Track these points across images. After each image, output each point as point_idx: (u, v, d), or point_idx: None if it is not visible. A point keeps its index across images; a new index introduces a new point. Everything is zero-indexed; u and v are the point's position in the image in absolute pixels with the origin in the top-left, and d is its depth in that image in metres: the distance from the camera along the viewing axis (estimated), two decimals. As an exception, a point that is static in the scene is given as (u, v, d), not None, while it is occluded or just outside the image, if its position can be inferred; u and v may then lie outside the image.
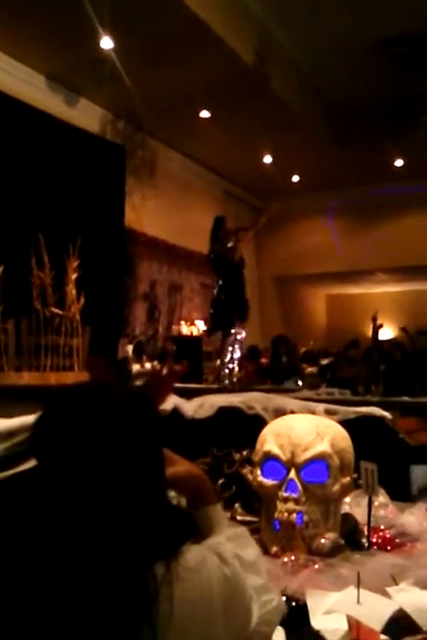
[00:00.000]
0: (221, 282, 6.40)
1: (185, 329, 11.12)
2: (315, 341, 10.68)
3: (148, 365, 7.58)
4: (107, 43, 7.06)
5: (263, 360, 9.06)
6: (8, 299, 5.70)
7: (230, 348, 6.15)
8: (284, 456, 1.91)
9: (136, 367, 7.64)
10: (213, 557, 1.06)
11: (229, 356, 6.15)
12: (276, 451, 1.92)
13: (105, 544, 0.99)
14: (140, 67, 7.50)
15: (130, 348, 8.17)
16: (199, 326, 11.36)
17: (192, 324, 11.30)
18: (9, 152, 6.58)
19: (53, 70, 7.89)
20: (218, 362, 6.43)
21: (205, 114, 9.21)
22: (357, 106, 9.79)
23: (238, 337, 6.26)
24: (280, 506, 1.89)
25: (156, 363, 7.05)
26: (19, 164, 6.67)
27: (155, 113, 8.52)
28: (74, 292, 6.25)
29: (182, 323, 11.22)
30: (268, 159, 11.00)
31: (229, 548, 1.13)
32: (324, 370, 7.48)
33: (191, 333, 11.09)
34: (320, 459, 1.91)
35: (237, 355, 6.26)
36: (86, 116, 8.52)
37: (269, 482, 1.93)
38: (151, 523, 1.04)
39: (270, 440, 1.95)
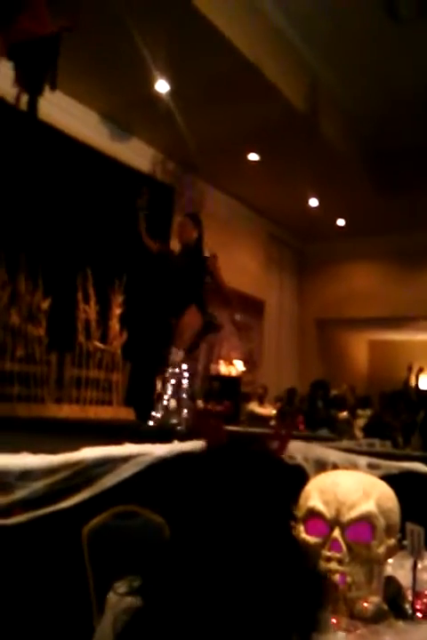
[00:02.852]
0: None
1: (223, 368, 11.09)
2: (347, 386, 10.45)
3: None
4: (162, 85, 7.24)
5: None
6: (53, 331, 5.81)
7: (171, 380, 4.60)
8: (328, 513, 1.85)
9: (172, 402, 7.61)
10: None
11: (169, 390, 4.58)
12: (320, 507, 1.86)
13: (246, 610, 0.97)
14: (191, 109, 7.65)
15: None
16: (238, 366, 11.32)
17: (230, 363, 11.27)
18: (61, 187, 6.76)
19: (107, 109, 8.11)
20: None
21: (253, 156, 9.32)
22: (404, 152, 9.76)
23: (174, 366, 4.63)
24: (323, 565, 1.83)
25: (200, 402, 6.96)
26: (70, 199, 6.84)
27: (204, 154, 8.65)
28: (117, 327, 6.37)
29: (221, 362, 11.20)
30: (313, 202, 11.02)
31: None
32: (372, 425, 7.28)
33: (230, 373, 11.06)
34: (366, 519, 1.84)
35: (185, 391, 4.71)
36: (137, 155, 8.69)
37: (312, 539, 1.88)
38: (290, 588, 1.01)
39: (315, 496, 1.90)
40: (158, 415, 4.51)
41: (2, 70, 4.72)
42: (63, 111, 7.39)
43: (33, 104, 4.64)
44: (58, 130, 7.05)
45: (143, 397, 6.14)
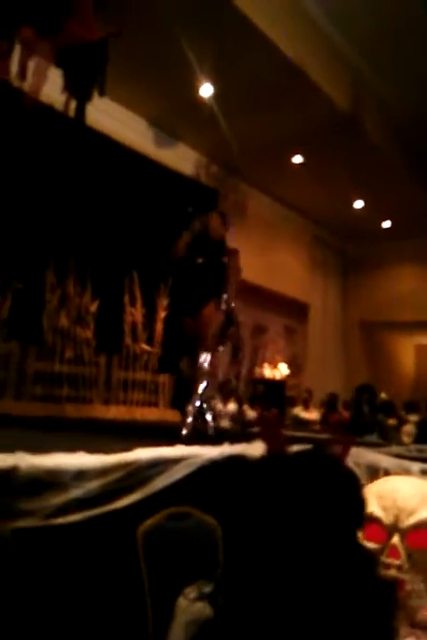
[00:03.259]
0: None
1: (268, 371, 11.04)
2: (390, 392, 10.23)
3: (232, 406, 7.53)
4: (206, 89, 7.27)
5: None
6: (101, 333, 5.89)
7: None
8: (387, 520, 1.81)
9: (219, 406, 7.61)
10: None
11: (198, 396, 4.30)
12: (379, 513, 1.82)
13: (317, 621, 0.94)
14: (235, 111, 7.65)
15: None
16: (282, 369, 11.26)
17: (275, 366, 11.21)
18: (108, 192, 6.84)
19: (153, 114, 8.18)
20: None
21: (297, 159, 9.27)
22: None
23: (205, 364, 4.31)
24: (382, 572, 1.80)
25: (246, 405, 6.91)
26: (117, 203, 6.92)
27: (248, 157, 8.64)
28: (163, 329, 6.41)
29: (265, 365, 11.15)
30: (358, 204, 10.89)
31: None
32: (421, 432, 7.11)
33: (274, 377, 11.00)
34: (426, 525, 1.80)
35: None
36: (182, 159, 8.75)
37: (370, 545, 1.84)
38: (362, 598, 0.98)
39: (373, 502, 1.86)
40: (189, 420, 4.24)
41: (51, 78, 4.80)
42: (110, 117, 7.48)
43: (81, 110, 4.71)
44: (105, 136, 7.14)
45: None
